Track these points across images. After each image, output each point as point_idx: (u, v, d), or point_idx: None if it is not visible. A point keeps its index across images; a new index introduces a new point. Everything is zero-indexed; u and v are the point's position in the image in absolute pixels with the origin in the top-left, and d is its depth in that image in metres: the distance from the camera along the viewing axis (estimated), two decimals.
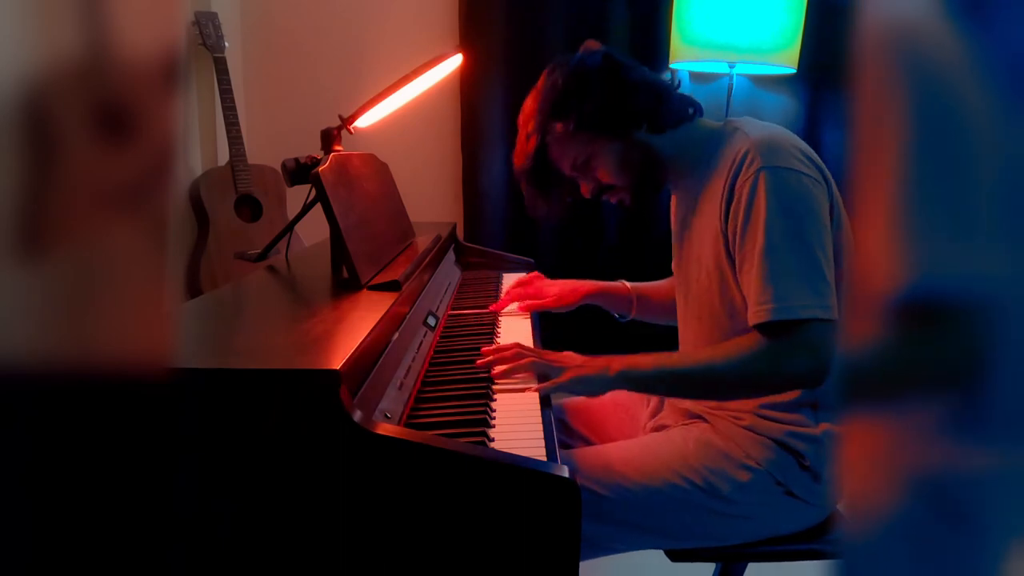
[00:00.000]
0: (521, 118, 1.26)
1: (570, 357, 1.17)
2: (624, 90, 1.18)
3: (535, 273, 1.63)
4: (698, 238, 1.21)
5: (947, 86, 0.33)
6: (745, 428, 1.15)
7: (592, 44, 1.24)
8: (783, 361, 1.05)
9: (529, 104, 1.24)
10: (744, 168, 1.08)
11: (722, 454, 1.14)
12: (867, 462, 0.36)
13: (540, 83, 1.24)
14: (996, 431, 0.34)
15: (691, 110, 1.23)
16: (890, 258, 0.34)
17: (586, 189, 1.27)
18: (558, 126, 1.20)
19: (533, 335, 1.40)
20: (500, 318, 1.50)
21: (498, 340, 1.33)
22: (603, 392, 1.14)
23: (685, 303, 1.28)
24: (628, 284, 1.53)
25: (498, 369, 1.15)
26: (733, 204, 1.09)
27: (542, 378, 1.13)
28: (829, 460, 1.13)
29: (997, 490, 0.35)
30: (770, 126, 1.16)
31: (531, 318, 1.52)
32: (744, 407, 1.17)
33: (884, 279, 0.34)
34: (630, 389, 1.14)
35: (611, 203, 1.30)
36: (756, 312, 1.05)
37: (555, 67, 1.23)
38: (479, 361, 1.19)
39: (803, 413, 1.14)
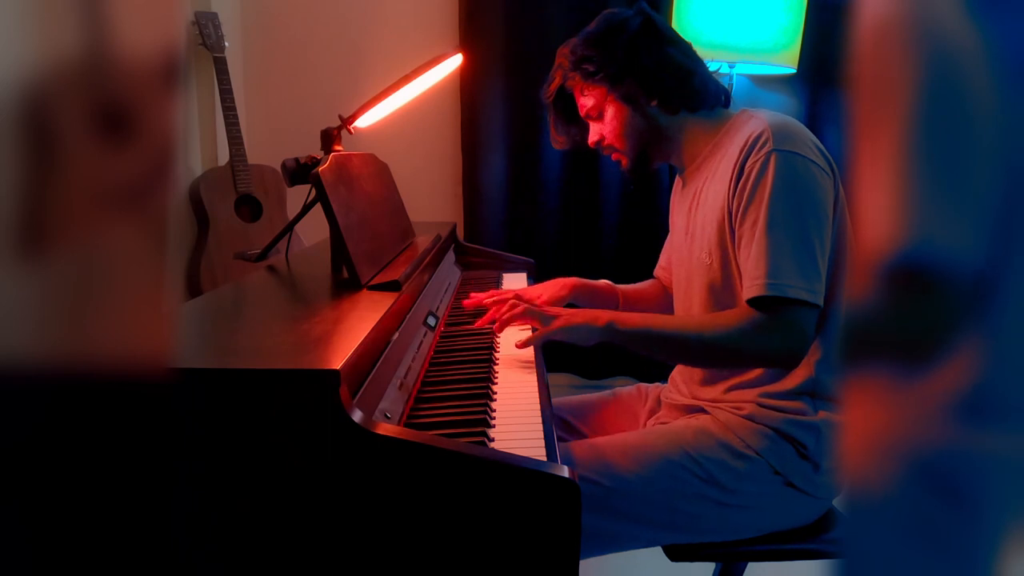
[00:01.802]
0: (561, 48, 1.29)
1: (562, 309, 1.21)
2: (647, 61, 1.21)
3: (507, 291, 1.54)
4: (704, 217, 1.22)
5: (959, 67, 0.34)
6: (744, 417, 1.17)
7: (645, 6, 1.26)
8: (762, 337, 1.08)
9: (573, 40, 1.28)
10: (756, 149, 1.11)
11: (720, 443, 1.16)
12: (864, 440, 0.36)
13: (591, 24, 1.27)
14: (990, 414, 0.34)
15: (713, 98, 1.25)
16: (887, 223, 0.35)
17: (591, 139, 1.31)
18: (579, 72, 1.25)
19: (532, 331, 1.40)
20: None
21: (498, 340, 1.33)
22: (592, 342, 1.17)
23: (685, 287, 1.29)
24: (611, 283, 1.53)
25: (497, 324, 1.23)
26: (741, 181, 1.12)
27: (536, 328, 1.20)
28: (829, 449, 1.14)
29: (995, 471, 0.35)
30: (784, 116, 1.18)
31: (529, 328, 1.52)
32: (745, 397, 1.18)
33: (879, 243, 0.35)
34: (615, 342, 1.17)
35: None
36: (748, 287, 1.09)
37: (605, 14, 1.27)
38: (484, 300, 1.32)
39: (803, 401, 1.16)
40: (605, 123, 1.27)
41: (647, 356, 1.25)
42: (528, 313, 1.22)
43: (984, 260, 0.34)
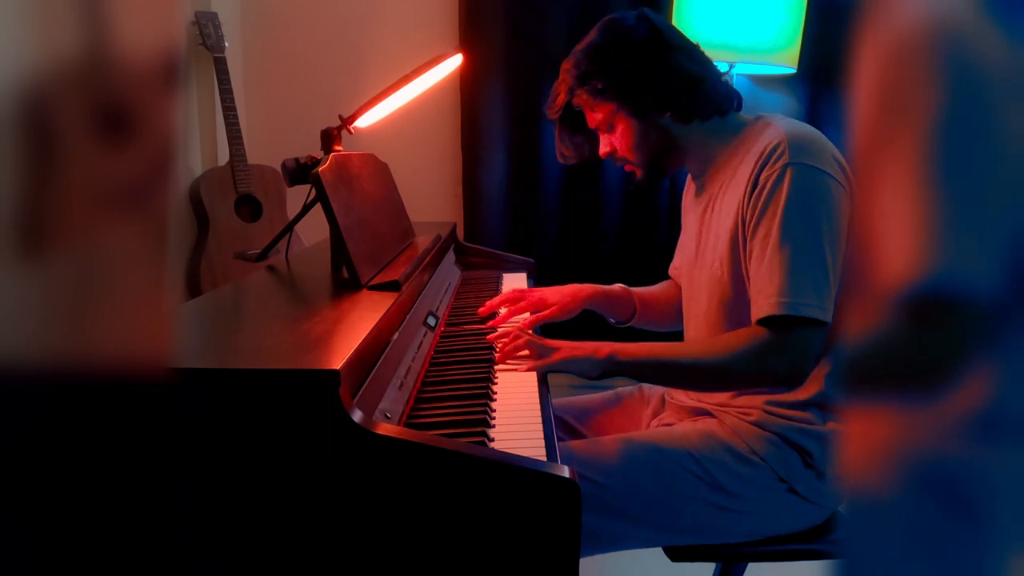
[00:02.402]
0: (564, 64, 1.26)
1: (564, 342, 1.20)
2: (657, 73, 1.17)
3: (523, 290, 1.51)
4: (716, 227, 1.20)
5: (984, 88, 0.33)
6: (751, 423, 1.16)
7: (648, 11, 1.22)
8: (769, 358, 1.07)
9: (575, 53, 1.24)
10: (772, 160, 1.09)
11: (726, 448, 1.15)
12: (868, 454, 0.36)
13: (591, 33, 1.23)
14: (1002, 432, 0.34)
15: (727, 104, 1.22)
16: (905, 251, 0.34)
17: (602, 151, 1.28)
18: (587, 87, 1.21)
19: None
20: (504, 326, 1.49)
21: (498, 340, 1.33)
22: (595, 373, 1.16)
23: (695, 293, 1.27)
24: (627, 287, 1.50)
25: (500, 355, 1.21)
26: (755, 193, 1.10)
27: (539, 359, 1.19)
28: (834, 458, 1.13)
29: (1005, 487, 0.34)
30: (803, 124, 1.16)
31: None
32: (752, 403, 1.17)
33: (897, 271, 0.34)
34: (618, 373, 1.16)
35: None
36: (760, 305, 1.07)
37: (607, 22, 1.22)
38: (488, 337, 1.27)
39: (811, 412, 1.15)
40: (616, 137, 1.24)
41: (652, 384, 1.23)
42: (530, 345, 1.20)
43: (1002, 286, 0.33)
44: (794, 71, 2.33)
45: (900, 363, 0.36)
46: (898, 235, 0.34)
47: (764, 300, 1.06)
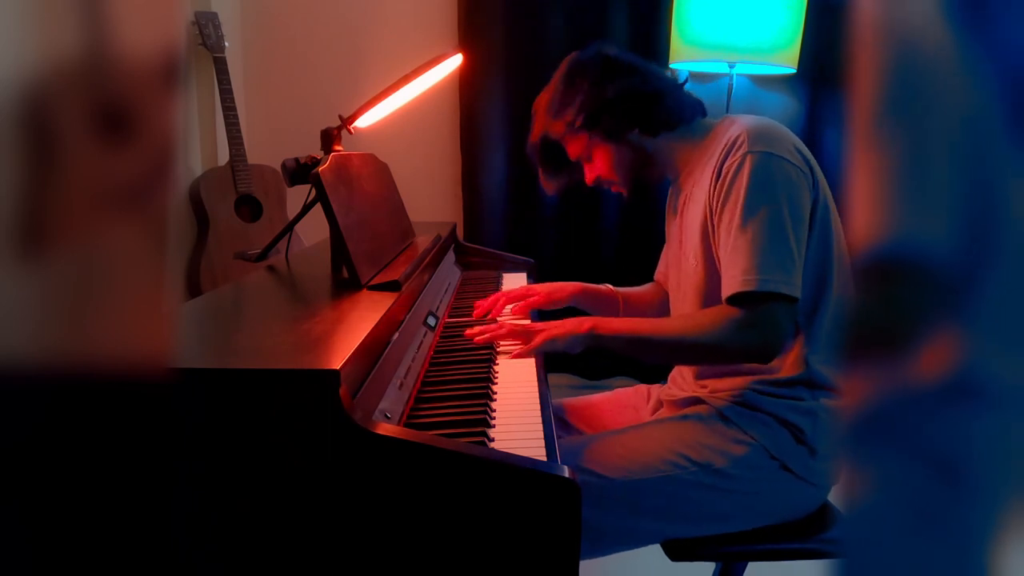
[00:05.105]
0: (534, 104, 1.34)
1: (545, 323, 1.26)
2: (614, 96, 1.24)
3: (511, 290, 1.59)
4: (689, 222, 1.26)
5: (925, 67, 0.35)
6: (741, 404, 1.19)
7: (602, 44, 1.30)
8: (740, 333, 1.10)
9: (542, 95, 1.33)
10: (733, 151, 1.14)
11: (717, 430, 1.18)
12: (859, 421, 0.37)
13: (556, 74, 1.31)
14: (977, 397, 0.35)
15: (691, 112, 1.28)
16: (865, 220, 0.36)
17: (588, 178, 1.36)
18: (559, 122, 1.28)
19: None
20: (500, 318, 1.49)
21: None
22: (577, 349, 1.20)
23: (681, 295, 1.31)
24: (613, 287, 1.55)
25: (478, 339, 1.26)
26: (719, 183, 1.15)
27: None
28: (825, 435, 1.16)
29: (986, 451, 0.35)
30: (765, 119, 1.20)
31: (529, 319, 1.52)
32: (739, 385, 1.20)
33: (858, 238, 0.36)
34: (600, 347, 1.20)
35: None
36: (728, 284, 1.11)
37: (567, 62, 1.30)
38: (467, 332, 1.30)
39: (799, 390, 1.18)
40: (595, 163, 1.31)
41: (635, 359, 1.27)
42: (511, 333, 1.26)
43: (959, 251, 0.34)
44: (794, 71, 2.33)
45: (867, 326, 0.37)
46: (860, 206, 0.36)
47: (731, 279, 1.10)
